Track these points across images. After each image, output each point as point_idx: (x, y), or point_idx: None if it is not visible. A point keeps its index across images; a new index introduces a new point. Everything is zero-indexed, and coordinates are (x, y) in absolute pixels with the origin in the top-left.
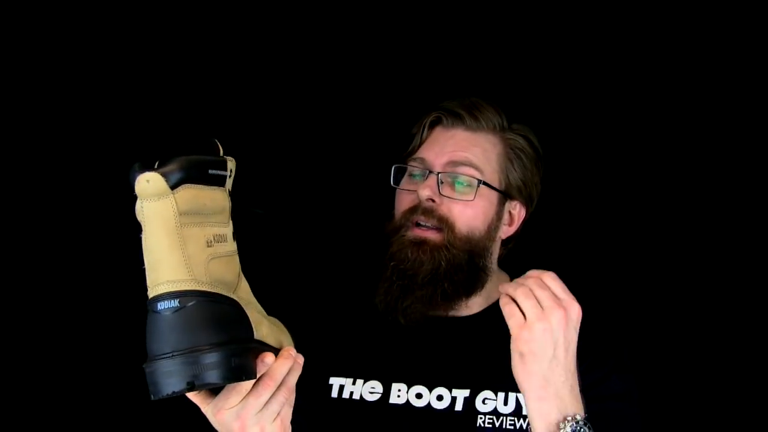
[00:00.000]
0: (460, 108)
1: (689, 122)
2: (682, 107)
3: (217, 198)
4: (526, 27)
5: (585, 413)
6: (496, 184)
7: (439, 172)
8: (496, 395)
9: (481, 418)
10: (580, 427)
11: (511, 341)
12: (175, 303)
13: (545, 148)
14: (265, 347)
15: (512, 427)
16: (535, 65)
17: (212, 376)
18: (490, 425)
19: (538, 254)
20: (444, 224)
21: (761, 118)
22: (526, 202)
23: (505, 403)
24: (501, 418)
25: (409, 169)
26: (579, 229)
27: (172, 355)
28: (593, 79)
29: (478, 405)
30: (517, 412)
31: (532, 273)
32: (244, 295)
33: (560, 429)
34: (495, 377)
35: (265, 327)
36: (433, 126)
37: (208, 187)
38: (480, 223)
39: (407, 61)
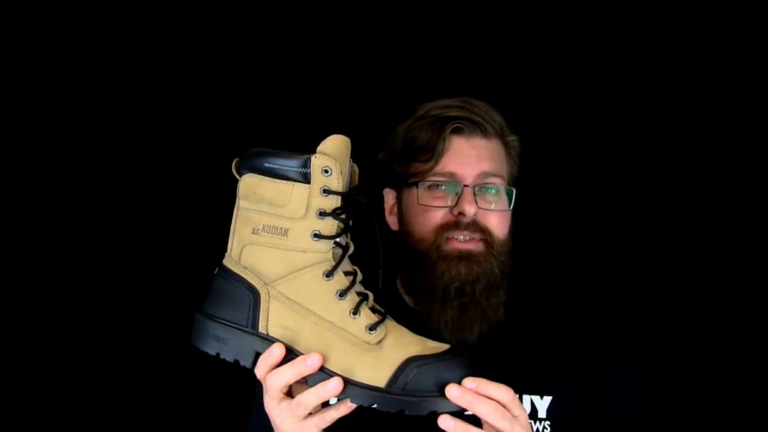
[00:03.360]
0: (474, 115)
1: (687, 118)
2: (679, 104)
3: (279, 190)
4: (517, 26)
5: None
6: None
7: (473, 186)
8: None
9: None
10: None
11: None
12: (216, 270)
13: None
14: (269, 342)
15: None
16: (534, 65)
17: (193, 339)
18: None
19: (539, 255)
20: (486, 235)
21: (759, 117)
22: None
23: None
24: None
25: (431, 182)
26: (578, 229)
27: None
28: (587, 78)
29: None
30: (533, 415)
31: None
32: (292, 295)
33: None
34: (509, 379)
35: (305, 338)
36: (450, 135)
37: (268, 179)
38: (508, 228)
39: (388, 64)
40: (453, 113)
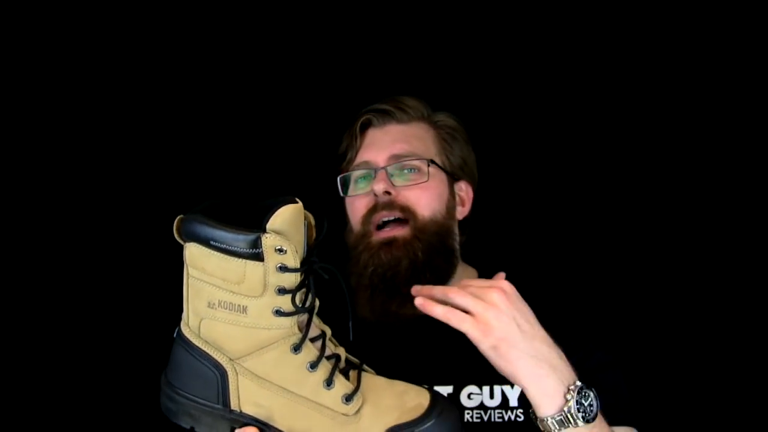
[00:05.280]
0: (386, 105)
1: (678, 114)
2: (670, 101)
3: (230, 268)
4: (517, 26)
5: (577, 378)
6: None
7: (385, 167)
8: (481, 389)
9: (468, 413)
10: (584, 390)
11: (477, 344)
12: (175, 334)
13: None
14: (243, 420)
15: (500, 420)
16: (534, 65)
17: (164, 409)
18: (478, 420)
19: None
20: (407, 213)
21: (755, 116)
22: (471, 181)
23: (491, 396)
24: (489, 411)
25: (354, 175)
26: (549, 220)
27: (163, 374)
28: (578, 75)
29: (464, 400)
30: (504, 404)
31: (446, 288)
32: (260, 372)
33: (568, 400)
34: (478, 371)
35: (281, 415)
36: (364, 129)
37: (217, 254)
38: (438, 204)
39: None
40: (365, 110)
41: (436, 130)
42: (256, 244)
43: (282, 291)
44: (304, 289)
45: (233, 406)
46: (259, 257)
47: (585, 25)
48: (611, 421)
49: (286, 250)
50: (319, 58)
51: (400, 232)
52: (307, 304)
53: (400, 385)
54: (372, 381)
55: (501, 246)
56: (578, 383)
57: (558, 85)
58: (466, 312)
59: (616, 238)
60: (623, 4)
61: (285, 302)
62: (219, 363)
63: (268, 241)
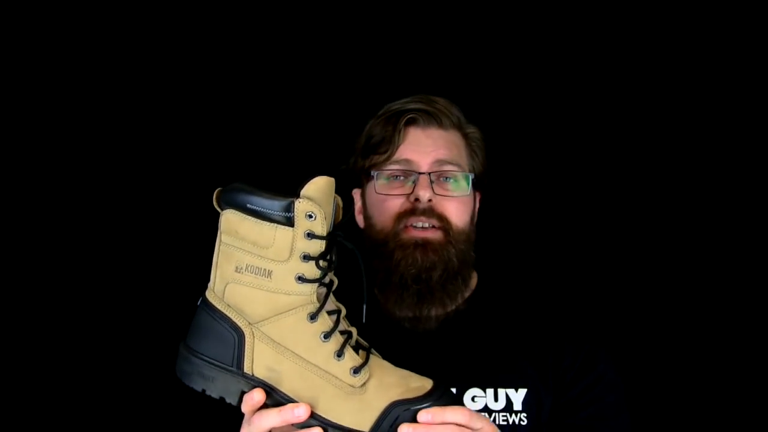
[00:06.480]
0: (430, 106)
1: (682, 116)
2: (674, 102)
3: (262, 232)
4: (516, 26)
5: None
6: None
7: (430, 173)
8: (485, 392)
9: None
10: None
11: None
12: (199, 302)
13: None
14: (253, 383)
15: (505, 423)
16: (533, 65)
17: (178, 372)
18: None
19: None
20: (444, 222)
21: (755, 116)
22: (482, 192)
23: (495, 399)
24: (493, 414)
25: (389, 172)
26: (549, 222)
27: (182, 342)
28: (578, 79)
29: (467, 402)
30: (508, 407)
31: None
32: (276, 337)
33: None
34: (483, 374)
35: (290, 380)
36: (407, 126)
37: (251, 218)
38: (468, 217)
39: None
40: (409, 107)
41: (467, 140)
42: (289, 208)
43: (306, 257)
44: (327, 259)
45: (246, 369)
46: (290, 222)
47: (587, 27)
48: (602, 415)
49: (315, 216)
50: (319, 57)
51: (434, 235)
52: (328, 274)
53: (405, 371)
54: (379, 361)
55: (499, 245)
56: None
57: (555, 86)
58: None
59: (611, 238)
60: (623, 4)
61: (308, 269)
62: (238, 326)
63: (301, 206)
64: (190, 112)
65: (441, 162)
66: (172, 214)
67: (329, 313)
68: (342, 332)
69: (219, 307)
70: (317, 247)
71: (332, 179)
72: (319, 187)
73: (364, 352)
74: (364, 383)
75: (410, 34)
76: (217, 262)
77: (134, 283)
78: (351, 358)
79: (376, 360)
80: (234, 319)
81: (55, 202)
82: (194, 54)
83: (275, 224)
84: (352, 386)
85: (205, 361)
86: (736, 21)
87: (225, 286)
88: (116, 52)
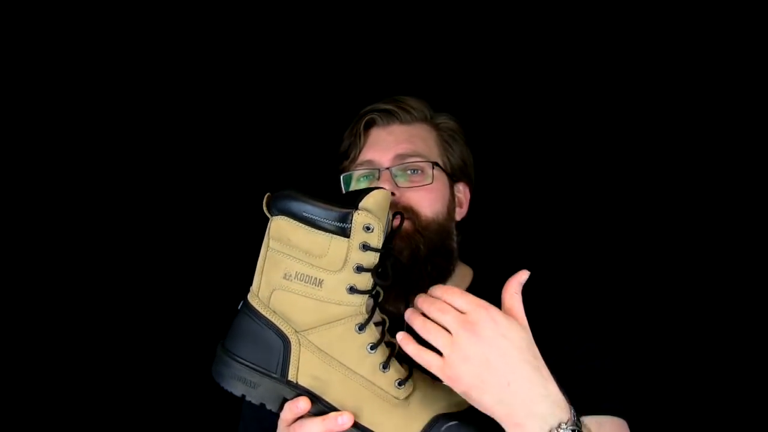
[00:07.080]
0: (390, 105)
1: (681, 116)
2: (674, 102)
3: (316, 241)
4: (516, 26)
5: (572, 415)
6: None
7: (389, 168)
8: None
9: None
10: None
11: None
12: (240, 306)
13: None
14: (297, 391)
15: None
16: (533, 65)
17: (215, 374)
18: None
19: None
20: (410, 214)
21: (755, 116)
22: (469, 182)
23: None
24: None
25: (357, 174)
26: (544, 218)
27: (220, 344)
28: (575, 77)
29: None
30: None
31: (434, 294)
32: (323, 346)
33: None
34: None
35: (335, 390)
36: (368, 128)
37: (304, 227)
38: (440, 206)
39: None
40: (370, 108)
41: (438, 131)
42: (347, 219)
43: (360, 269)
44: (380, 271)
45: (290, 376)
46: (345, 233)
47: (583, 25)
48: (596, 409)
49: (373, 229)
50: (319, 57)
51: (403, 225)
52: (381, 285)
53: (446, 385)
54: (422, 375)
55: (496, 245)
56: (565, 425)
57: (553, 86)
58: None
59: (608, 233)
60: (623, 4)
61: (361, 280)
62: (284, 333)
63: (360, 217)
64: (192, 113)
65: (402, 156)
66: (174, 214)
67: (375, 324)
68: (387, 344)
69: (264, 313)
70: (372, 259)
71: (389, 192)
72: (377, 201)
73: (407, 365)
74: (408, 396)
75: (410, 34)
76: (262, 268)
77: (136, 283)
78: (396, 370)
79: (419, 373)
80: (280, 326)
81: (71, 204)
82: (194, 54)
83: (330, 234)
84: (396, 398)
85: (247, 366)
86: (736, 21)
87: (271, 293)
88: (116, 52)
